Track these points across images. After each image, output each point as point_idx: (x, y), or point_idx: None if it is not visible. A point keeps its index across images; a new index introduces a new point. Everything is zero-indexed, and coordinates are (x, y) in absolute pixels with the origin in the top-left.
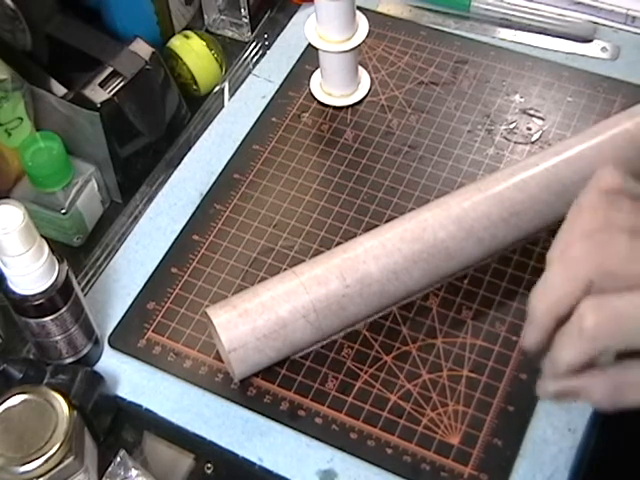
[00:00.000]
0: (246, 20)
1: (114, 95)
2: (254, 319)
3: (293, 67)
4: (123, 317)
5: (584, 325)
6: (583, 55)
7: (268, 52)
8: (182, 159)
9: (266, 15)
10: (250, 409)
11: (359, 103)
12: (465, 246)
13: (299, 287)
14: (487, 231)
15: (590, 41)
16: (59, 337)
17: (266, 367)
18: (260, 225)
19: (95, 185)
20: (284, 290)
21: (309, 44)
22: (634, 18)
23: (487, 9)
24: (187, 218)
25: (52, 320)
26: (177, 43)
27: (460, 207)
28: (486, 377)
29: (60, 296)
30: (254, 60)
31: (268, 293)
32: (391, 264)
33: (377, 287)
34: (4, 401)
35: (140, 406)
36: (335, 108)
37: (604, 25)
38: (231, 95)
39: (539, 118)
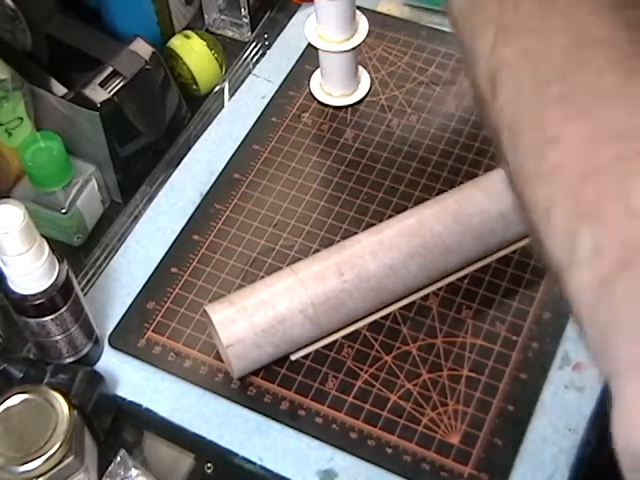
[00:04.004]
0: (246, 20)
1: (114, 95)
2: (252, 314)
3: (293, 67)
4: (123, 317)
5: None
6: None
7: (268, 52)
8: (182, 159)
9: (266, 15)
10: (250, 409)
11: (359, 103)
12: (462, 240)
13: (297, 283)
14: (485, 226)
15: None
16: (59, 337)
17: (265, 364)
18: (260, 225)
19: (95, 185)
20: (282, 286)
21: (309, 44)
22: None
23: None
24: (187, 218)
25: (52, 320)
26: (177, 43)
27: (458, 203)
28: (486, 377)
29: (60, 296)
30: (254, 60)
31: (266, 290)
32: (388, 259)
33: (375, 282)
34: (4, 401)
35: (140, 406)
36: (335, 108)
37: None
38: (231, 95)
39: None
